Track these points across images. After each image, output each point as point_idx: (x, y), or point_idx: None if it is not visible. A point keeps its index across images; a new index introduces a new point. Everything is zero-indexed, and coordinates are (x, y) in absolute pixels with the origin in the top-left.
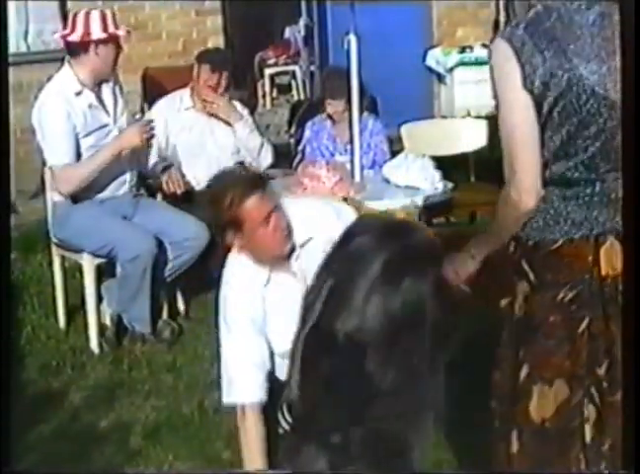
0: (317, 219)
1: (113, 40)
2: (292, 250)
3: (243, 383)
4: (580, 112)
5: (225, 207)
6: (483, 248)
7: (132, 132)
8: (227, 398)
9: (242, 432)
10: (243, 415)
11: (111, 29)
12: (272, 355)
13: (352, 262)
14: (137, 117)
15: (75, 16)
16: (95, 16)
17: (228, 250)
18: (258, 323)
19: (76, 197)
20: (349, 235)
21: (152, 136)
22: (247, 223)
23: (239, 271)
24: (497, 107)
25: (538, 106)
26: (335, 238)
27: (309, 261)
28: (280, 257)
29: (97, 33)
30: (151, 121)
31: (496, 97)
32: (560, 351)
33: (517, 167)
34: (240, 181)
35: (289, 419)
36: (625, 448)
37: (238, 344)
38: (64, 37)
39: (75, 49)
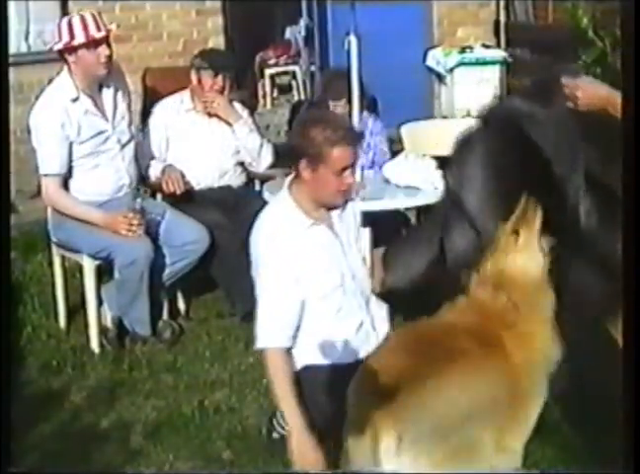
0: None
1: (96, 43)
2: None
3: (270, 328)
4: None
5: (318, 140)
6: None
7: (118, 222)
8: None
9: (270, 373)
10: (269, 358)
11: (91, 31)
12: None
13: None
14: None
15: (60, 24)
16: (76, 21)
17: None
18: (291, 268)
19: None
20: None
21: (140, 226)
22: (325, 166)
23: (282, 213)
24: None
25: None
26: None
27: (350, 219)
28: (332, 206)
29: (79, 38)
30: (142, 215)
31: None
32: None
33: None
34: (346, 128)
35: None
36: (625, 448)
37: (270, 287)
38: (52, 47)
39: (65, 57)
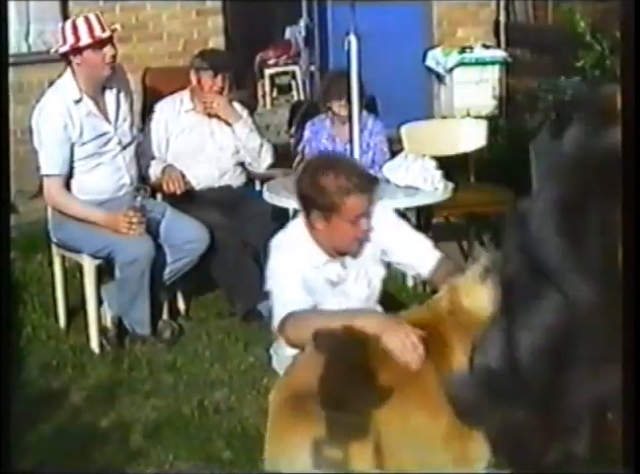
0: (379, 225)
1: (101, 44)
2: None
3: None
4: None
5: (331, 190)
6: None
7: (119, 220)
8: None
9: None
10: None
11: (97, 32)
12: None
13: None
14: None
15: (63, 27)
16: (80, 22)
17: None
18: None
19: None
20: None
21: (141, 224)
22: (338, 215)
23: (299, 242)
24: None
25: None
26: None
27: (363, 260)
28: (347, 252)
29: (85, 39)
30: (143, 213)
31: None
32: None
33: None
34: (359, 175)
35: None
36: (625, 448)
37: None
38: (57, 50)
39: (70, 59)
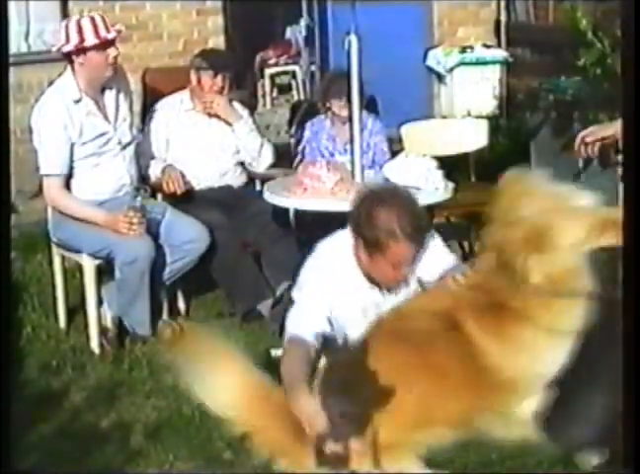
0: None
1: (105, 45)
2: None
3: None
4: None
5: (380, 227)
6: None
7: (119, 221)
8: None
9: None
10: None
11: (102, 33)
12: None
13: None
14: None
15: (67, 25)
16: (86, 22)
17: None
18: (328, 305)
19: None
20: None
21: (141, 225)
22: (381, 254)
23: (344, 260)
24: None
25: None
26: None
27: (402, 292)
28: (386, 288)
29: (90, 39)
30: (143, 213)
31: None
32: None
33: None
34: (413, 223)
35: None
36: (625, 448)
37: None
38: (60, 48)
39: (72, 58)
